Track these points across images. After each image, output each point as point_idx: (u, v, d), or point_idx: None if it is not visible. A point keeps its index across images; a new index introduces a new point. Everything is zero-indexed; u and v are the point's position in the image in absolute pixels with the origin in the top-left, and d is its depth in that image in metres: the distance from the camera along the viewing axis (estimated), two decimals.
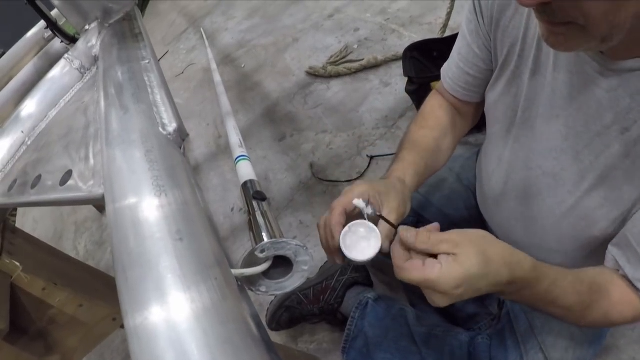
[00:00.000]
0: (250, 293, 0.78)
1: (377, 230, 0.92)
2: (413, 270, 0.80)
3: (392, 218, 0.98)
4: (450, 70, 1.27)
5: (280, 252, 0.79)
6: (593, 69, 0.86)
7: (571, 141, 0.97)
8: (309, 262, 0.81)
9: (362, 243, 0.92)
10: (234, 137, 1.31)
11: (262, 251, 0.77)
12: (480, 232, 0.84)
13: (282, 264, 0.82)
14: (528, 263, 0.84)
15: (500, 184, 1.22)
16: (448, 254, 0.79)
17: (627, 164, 0.89)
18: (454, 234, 0.82)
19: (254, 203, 0.90)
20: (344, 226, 0.94)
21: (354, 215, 0.98)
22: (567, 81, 0.93)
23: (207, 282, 0.52)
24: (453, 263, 0.78)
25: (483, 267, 0.79)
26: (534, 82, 1.02)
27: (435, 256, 0.81)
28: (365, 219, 0.93)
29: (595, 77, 0.87)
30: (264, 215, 0.87)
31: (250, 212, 0.89)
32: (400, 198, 1.04)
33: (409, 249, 0.84)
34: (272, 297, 1.90)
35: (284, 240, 0.78)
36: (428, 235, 0.81)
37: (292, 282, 0.83)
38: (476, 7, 1.09)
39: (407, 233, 0.83)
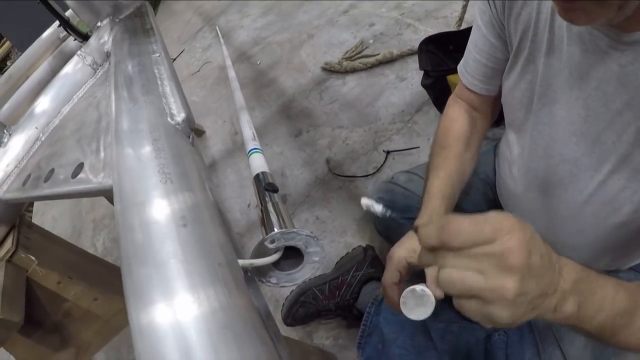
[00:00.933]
0: (266, 287, 0.78)
1: (426, 290, 0.89)
2: (459, 219, 0.63)
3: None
4: (467, 64, 1.26)
5: (291, 243, 0.78)
6: (606, 44, 0.85)
7: (591, 123, 0.95)
8: (320, 252, 0.80)
9: (418, 303, 0.90)
10: (247, 131, 1.31)
11: (272, 241, 0.77)
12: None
13: (293, 256, 0.82)
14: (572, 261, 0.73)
15: (520, 175, 1.21)
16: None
17: None
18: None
19: (266, 194, 0.90)
20: (401, 291, 0.93)
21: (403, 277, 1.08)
22: (582, 60, 0.92)
23: (210, 268, 0.52)
24: (507, 232, 0.61)
25: (533, 231, 0.65)
26: (548, 66, 1.01)
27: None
28: (413, 285, 0.91)
29: (610, 53, 0.85)
30: (275, 206, 0.86)
31: (262, 204, 0.89)
32: None
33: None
34: (288, 293, 1.91)
35: (294, 230, 0.77)
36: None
37: (302, 274, 0.83)
38: None
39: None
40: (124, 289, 0.52)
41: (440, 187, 1.20)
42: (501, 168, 1.35)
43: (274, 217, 0.82)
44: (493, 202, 1.48)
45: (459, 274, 0.62)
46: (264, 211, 0.86)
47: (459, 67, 1.31)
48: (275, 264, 0.80)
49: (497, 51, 1.16)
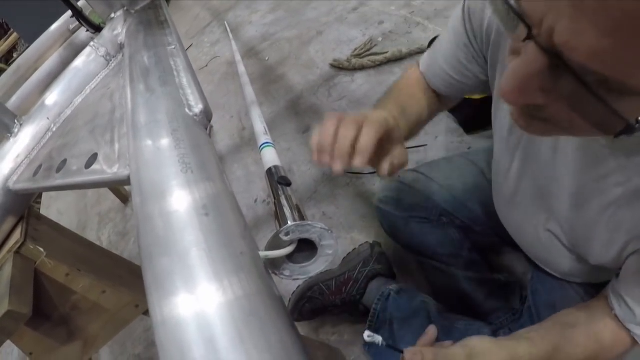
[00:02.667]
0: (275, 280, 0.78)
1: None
2: None
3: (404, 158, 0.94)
4: (432, 68, 1.21)
5: (305, 235, 0.78)
6: None
7: (572, 174, 0.93)
8: (334, 246, 0.80)
9: None
10: (259, 125, 1.31)
11: (287, 234, 0.77)
12: (484, 344, 0.91)
13: (306, 249, 0.81)
14: (523, 349, 0.93)
15: (511, 190, 1.19)
16: None
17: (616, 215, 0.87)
18: (460, 350, 0.89)
19: (279, 188, 0.90)
20: None
21: None
22: None
23: (233, 256, 0.52)
24: None
25: None
26: None
27: None
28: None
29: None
30: (288, 199, 0.86)
31: (275, 197, 0.88)
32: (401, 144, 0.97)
33: None
34: (295, 288, 1.91)
35: (309, 223, 0.77)
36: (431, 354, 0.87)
37: (316, 267, 0.82)
38: (466, 24, 1.05)
39: (412, 356, 0.90)
40: (145, 280, 0.52)
41: (398, 102, 1.16)
42: (495, 178, 1.33)
43: (287, 211, 0.82)
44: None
45: None
46: (278, 205, 0.86)
47: (423, 61, 1.25)
48: (289, 257, 0.80)
49: (468, 71, 1.12)
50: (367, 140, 0.82)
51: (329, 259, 0.81)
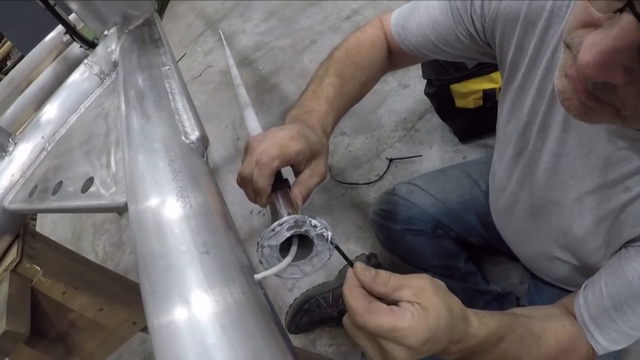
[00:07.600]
0: (269, 293, 0.77)
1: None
2: (380, 314, 0.69)
3: (314, 181, 0.97)
4: (411, 32, 1.16)
5: (302, 229, 0.74)
6: (608, 127, 0.81)
7: (577, 181, 0.93)
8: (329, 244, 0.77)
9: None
10: (255, 123, 1.31)
11: (286, 228, 0.74)
12: (439, 282, 0.77)
13: (301, 246, 0.79)
14: (476, 320, 0.79)
15: (509, 201, 1.19)
16: (410, 302, 0.71)
17: (618, 219, 0.87)
18: (416, 280, 0.75)
19: (277, 186, 0.89)
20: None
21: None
22: (579, 126, 0.87)
23: (235, 296, 0.52)
24: (423, 312, 0.69)
25: (449, 318, 0.72)
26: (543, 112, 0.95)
27: (394, 304, 0.72)
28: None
29: (609, 134, 0.81)
30: (285, 198, 0.85)
31: (274, 196, 0.87)
32: (323, 158, 1.01)
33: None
34: (291, 301, 1.91)
35: (306, 216, 0.74)
36: (388, 277, 0.73)
37: (312, 266, 0.79)
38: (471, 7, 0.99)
39: (365, 271, 0.74)
40: (147, 317, 0.52)
41: (338, 106, 1.11)
42: (493, 189, 1.33)
43: (284, 210, 0.81)
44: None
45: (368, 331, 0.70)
46: (276, 203, 0.85)
47: (396, 19, 1.22)
48: (284, 256, 0.77)
49: (460, 43, 1.08)
50: (260, 183, 0.88)
51: (324, 257, 0.78)
